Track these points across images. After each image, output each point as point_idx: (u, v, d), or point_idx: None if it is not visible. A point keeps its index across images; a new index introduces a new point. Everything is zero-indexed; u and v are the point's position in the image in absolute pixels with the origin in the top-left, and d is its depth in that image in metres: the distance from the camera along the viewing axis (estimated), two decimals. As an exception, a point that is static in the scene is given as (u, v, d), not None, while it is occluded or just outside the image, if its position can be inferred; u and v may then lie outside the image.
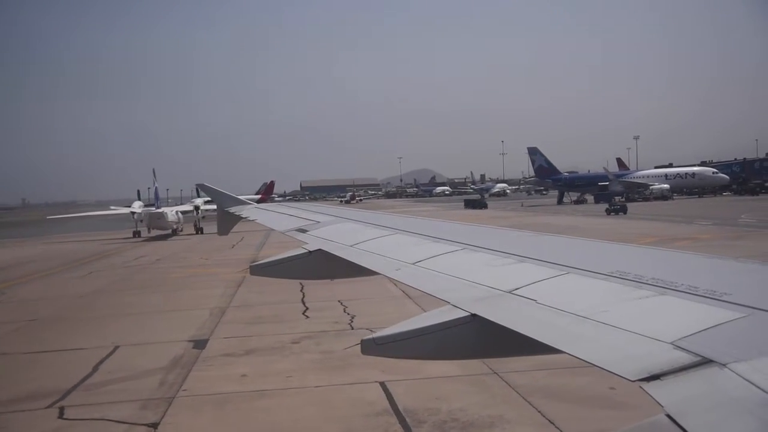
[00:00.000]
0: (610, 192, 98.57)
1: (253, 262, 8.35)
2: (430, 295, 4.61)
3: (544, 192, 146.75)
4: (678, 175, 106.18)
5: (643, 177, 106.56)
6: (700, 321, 2.97)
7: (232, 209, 15.01)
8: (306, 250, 7.40)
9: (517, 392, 14.10)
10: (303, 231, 9.15)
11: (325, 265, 7.17)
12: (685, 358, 2.63)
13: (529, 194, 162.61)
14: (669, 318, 3.17)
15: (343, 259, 6.68)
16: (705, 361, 2.56)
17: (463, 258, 5.48)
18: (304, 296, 26.23)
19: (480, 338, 3.84)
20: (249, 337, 20.41)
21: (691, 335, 2.83)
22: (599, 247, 5.64)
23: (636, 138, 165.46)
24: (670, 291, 3.52)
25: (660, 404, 2.38)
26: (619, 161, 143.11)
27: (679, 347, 2.75)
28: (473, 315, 3.83)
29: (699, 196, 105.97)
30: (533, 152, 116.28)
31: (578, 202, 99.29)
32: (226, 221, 15.49)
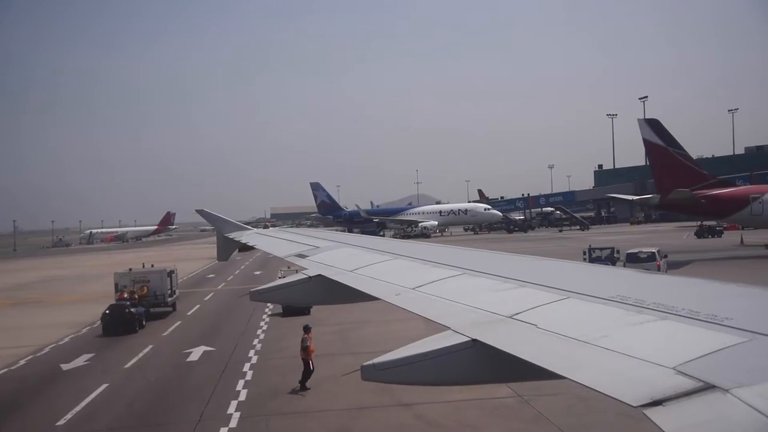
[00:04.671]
0: (373, 229, 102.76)
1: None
2: (431, 320, 4.59)
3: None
4: (452, 211, 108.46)
5: (419, 213, 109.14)
6: (702, 346, 2.95)
7: (232, 235, 15.01)
8: (306, 276, 7.37)
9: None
10: (303, 256, 9.12)
11: (325, 291, 7.12)
12: (687, 384, 2.62)
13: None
14: (670, 343, 3.15)
15: (343, 285, 6.65)
16: (708, 387, 2.55)
17: (464, 283, 5.46)
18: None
19: (481, 364, 3.80)
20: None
21: (693, 360, 2.82)
22: (599, 271, 5.63)
23: (551, 167, 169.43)
24: (671, 315, 3.50)
25: (663, 431, 2.36)
26: (480, 192, 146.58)
27: (681, 372, 2.73)
28: (474, 340, 3.81)
29: (474, 233, 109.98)
30: (316, 188, 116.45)
31: None
32: (226, 247, 15.48)
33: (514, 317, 4.10)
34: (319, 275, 7.23)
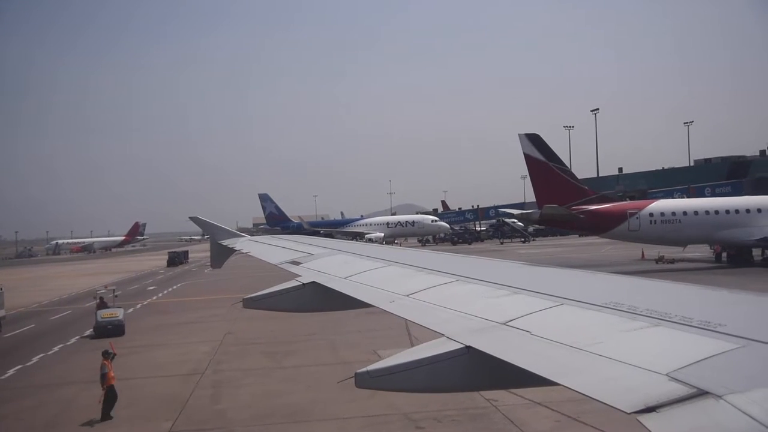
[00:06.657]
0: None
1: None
2: (425, 327, 4.58)
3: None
4: (399, 223, 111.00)
5: (366, 225, 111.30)
6: (695, 352, 2.96)
7: (225, 242, 14.96)
8: (300, 283, 7.35)
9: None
10: (296, 263, 9.10)
11: (318, 298, 7.11)
12: (680, 390, 2.62)
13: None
14: (663, 349, 3.16)
15: (337, 292, 6.64)
16: (701, 393, 2.55)
17: (458, 289, 5.46)
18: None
19: (474, 370, 3.81)
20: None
21: (686, 366, 2.82)
22: (593, 278, 5.63)
23: (523, 177, 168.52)
24: (664, 322, 3.51)
25: None
26: (443, 203, 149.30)
27: (674, 379, 2.74)
28: (468, 347, 3.81)
29: (423, 245, 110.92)
30: (264, 199, 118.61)
31: None
32: (220, 254, 15.41)
33: (508, 324, 4.10)
34: (313, 282, 7.22)
